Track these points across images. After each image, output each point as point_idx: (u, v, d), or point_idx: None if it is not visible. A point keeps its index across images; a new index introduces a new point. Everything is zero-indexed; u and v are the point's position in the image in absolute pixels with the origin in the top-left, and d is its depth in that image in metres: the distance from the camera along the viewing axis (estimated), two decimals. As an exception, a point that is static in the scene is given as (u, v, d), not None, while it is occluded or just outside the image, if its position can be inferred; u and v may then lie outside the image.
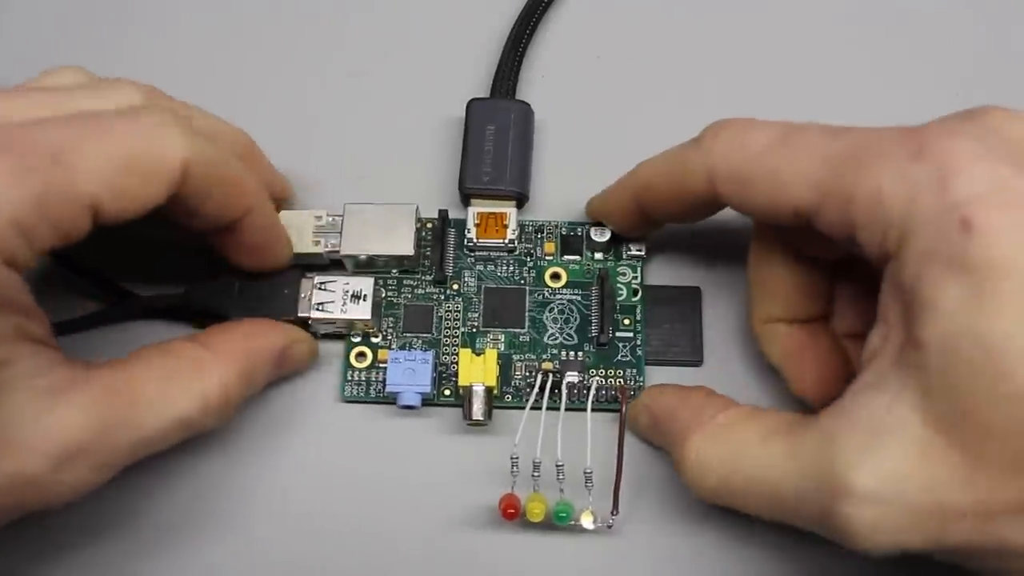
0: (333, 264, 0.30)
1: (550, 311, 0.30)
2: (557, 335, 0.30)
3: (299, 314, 0.28)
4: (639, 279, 0.30)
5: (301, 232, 0.29)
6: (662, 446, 0.27)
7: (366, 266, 0.30)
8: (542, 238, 0.31)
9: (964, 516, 0.19)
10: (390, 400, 0.29)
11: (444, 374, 0.29)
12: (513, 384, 0.29)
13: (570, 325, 0.30)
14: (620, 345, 0.30)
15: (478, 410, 0.27)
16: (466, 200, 0.31)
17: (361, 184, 0.32)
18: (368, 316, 0.28)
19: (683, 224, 0.29)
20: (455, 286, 0.30)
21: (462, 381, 0.27)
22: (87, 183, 0.21)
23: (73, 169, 0.21)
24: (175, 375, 0.24)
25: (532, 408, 0.27)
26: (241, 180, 0.25)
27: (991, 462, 0.19)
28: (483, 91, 0.33)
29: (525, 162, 0.31)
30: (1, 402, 0.21)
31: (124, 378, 0.23)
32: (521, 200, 0.31)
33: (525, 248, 0.31)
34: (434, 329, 0.30)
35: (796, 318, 0.27)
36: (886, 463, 0.20)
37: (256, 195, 0.26)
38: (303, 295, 0.28)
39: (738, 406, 0.25)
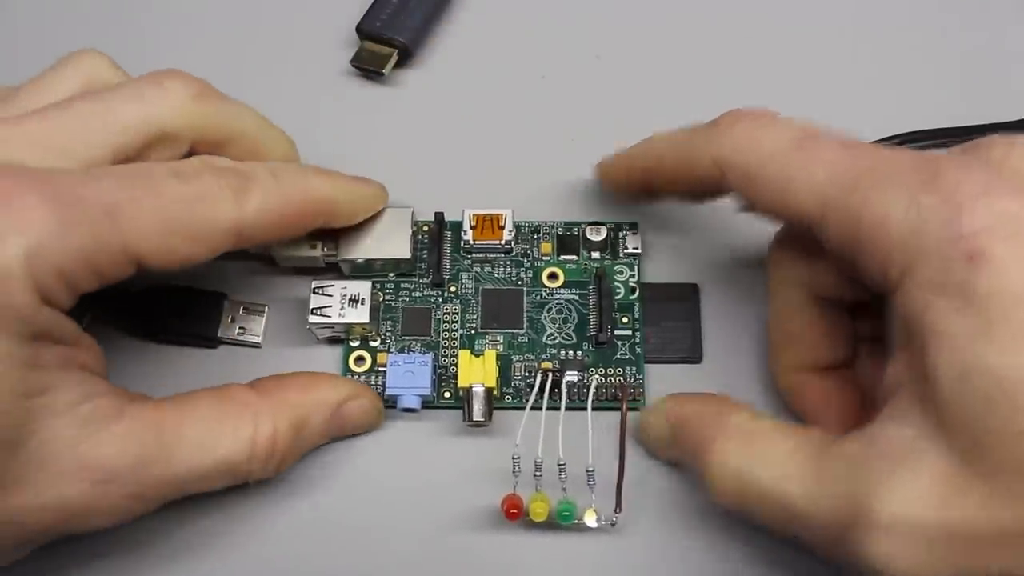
0: (329, 268, 0.30)
1: (548, 311, 0.30)
2: (556, 335, 0.30)
3: (219, 335, 0.29)
4: (636, 277, 0.30)
5: (298, 235, 0.29)
6: (682, 456, 0.26)
7: (363, 270, 0.30)
8: (539, 238, 0.31)
9: (994, 547, 0.19)
10: (390, 404, 0.28)
11: (443, 376, 0.29)
12: (513, 385, 0.29)
13: (568, 325, 0.30)
14: (619, 343, 0.30)
15: (478, 411, 0.27)
16: (362, 39, 0.32)
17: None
18: (366, 320, 0.28)
19: (684, 204, 0.29)
20: (453, 288, 0.30)
21: (462, 382, 0.27)
22: (135, 241, 0.22)
23: (123, 226, 0.22)
24: (225, 418, 0.24)
25: (532, 408, 0.27)
26: (302, 217, 0.26)
27: (1017, 496, 0.19)
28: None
29: (427, 19, 0.31)
30: (43, 427, 0.21)
31: (171, 416, 0.24)
32: (405, 54, 0.31)
33: (522, 249, 0.31)
34: (432, 332, 0.30)
35: (822, 365, 0.27)
36: (909, 494, 0.20)
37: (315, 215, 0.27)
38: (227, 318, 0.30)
39: (762, 415, 0.25)
